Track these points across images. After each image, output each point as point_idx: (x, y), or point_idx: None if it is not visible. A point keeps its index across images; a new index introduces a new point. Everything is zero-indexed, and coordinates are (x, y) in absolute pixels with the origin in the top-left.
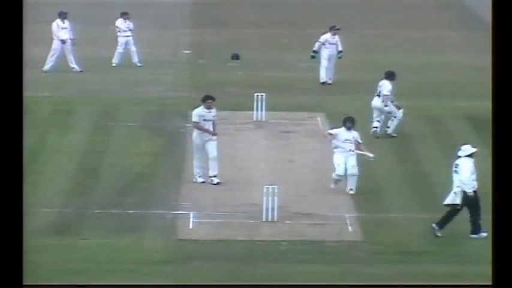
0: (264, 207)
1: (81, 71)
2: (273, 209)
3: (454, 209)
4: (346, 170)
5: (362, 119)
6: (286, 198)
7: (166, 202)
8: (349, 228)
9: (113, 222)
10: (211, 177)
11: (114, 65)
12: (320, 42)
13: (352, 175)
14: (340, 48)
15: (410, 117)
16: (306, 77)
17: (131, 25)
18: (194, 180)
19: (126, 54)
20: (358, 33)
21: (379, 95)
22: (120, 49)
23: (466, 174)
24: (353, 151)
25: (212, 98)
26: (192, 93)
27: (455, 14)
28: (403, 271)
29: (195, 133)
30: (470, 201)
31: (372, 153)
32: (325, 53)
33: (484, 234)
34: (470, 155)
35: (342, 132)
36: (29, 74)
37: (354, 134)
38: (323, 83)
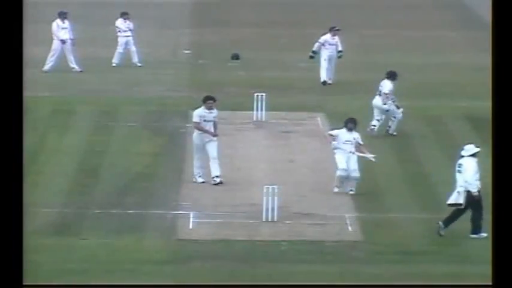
0: (264, 207)
1: (81, 71)
2: (273, 209)
3: (459, 209)
4: (348, 170)
5: (362, 119)
6: (286, 198)
7: (167, 202)
8: (349, 228)
9: (113, 222)
10: (214, 177)
11: (114, 65)
12: (320, 42)
13: (354, 178)
14: (340, 48)
15: (411, 117)
16: (306, 77)
17: (131, 25)
18: (194, 180)
19: (126, 54)
20: (358, 33)
21: (380, 94)
22: (120, 49)
23: (471, 173)
24: (353, 153)
25: (213, 99)
26: (192, 93)
27: (455, 14)
28: (403, 271)
29: (196, 134)
30: (474, 201)
31: (372, 153)
32: (324, 54)
33: (484, 235)
34: (473, 155)
35: (342, 133)
36: (29, 74)
37: (355, 135)
38: (324, 83)
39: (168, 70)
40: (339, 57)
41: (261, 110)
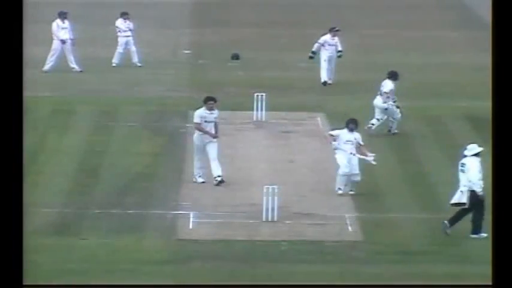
0: (264, 207)
1: (81, 71)
2: (273, 209)
3: (464, 208)
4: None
5: (362, 119)
6: (286, 198)
7: (166, 202)
8: (349, 228)
9: (113, 222)
10: (215, 177)
11: (114, 65)
12: (319, 43)
13: (354, 181)
14: (339, 48)
15: (411, 117)
16: (306, 77)
17: (131, 25)
18: (194, 180)
19: (126, 54)
20: (358, 33)
21: (381, 94)
22: (120, 49)
23: (474, 173)
24: (354, 154)
25: (214, 99)
26: (192, 93)
27: (455, 14)
28: (403, 271)
29: (196, 134)
30: (477, 201)
31: (372, 153)
32: (324, 55)
33: (484, 235)
34: (476, 154)
35: (343, 133)
36: (29, 74)
37: (355, 136)
38: (324, 83)
39: (168, 70)
40: (339, 56)
41: (261, 110)
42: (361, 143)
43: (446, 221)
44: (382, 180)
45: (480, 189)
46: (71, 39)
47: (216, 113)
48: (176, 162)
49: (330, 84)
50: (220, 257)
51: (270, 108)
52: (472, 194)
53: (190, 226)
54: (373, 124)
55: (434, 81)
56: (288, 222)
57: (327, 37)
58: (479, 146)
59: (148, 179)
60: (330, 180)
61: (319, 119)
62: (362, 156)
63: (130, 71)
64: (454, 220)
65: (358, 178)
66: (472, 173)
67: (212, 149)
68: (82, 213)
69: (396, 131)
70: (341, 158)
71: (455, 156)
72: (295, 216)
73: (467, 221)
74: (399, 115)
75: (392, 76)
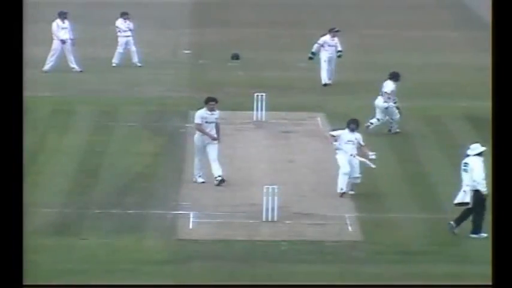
0: (264, 207)
1: (81, 71)
2: (273, 209)
3: (469, 208)
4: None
5: (362, 119)
6: (286, 198)
7: (166, 202)
8: (349, 228)
9: (112, 222)
10: (216, 177)
11: (114, 65)
12: (319, 44)
13: (355, 182)
14: (339, 48)
15: (411, 117)
16: (306, 77)
17: (131, 25)
18: (194, 180)
19: (126, 54)
20: (358, 33)
21: (382, 95)
22: (120, 49)
23: (478, 172)
24: (354, 156)
25: (215, 100)
26: (192, 94)
27: (455, 14)
28: (403, 271)
29: (197, 135)
30: (480, 201)
31: (372, 152)
32: (324, 55)
33: (484, 235)
34: (479, 154)
35: (344, 133)
36: (29, 74)
37: (356, 136)
38: (325, 85)
39: (168, 70)
40: (339, 56)
41: (261, 110)
42: (362, 143)
43: (452, 222)
44: (382, 180)
45: (485, 189)
46: (71, 39)
47: (216, 113)
48: (176, 162)
49: (330, 84)
50: (220, 257)
51: (270, 108)
52: (476, 193)
53: (190, 226)
54: (371, 123)
55: (434, 81)
56: (288, 222)
57: (327, 38)
58: (482, 145)
59: (148, 179)
60: (330, 181)
61: (319, 119)
62: (362, 159)
63: (130, 71)
64: (459, 220)
65: (359, 180)
66: (476, 173)
67: (212, 150)
68: (82, 213)
69: (398, 130)
70: (342, 162)
71: (455, 156)
72: (295, 216)
73: (467, 221)
74: (398, 116)
75: (394, 77)
